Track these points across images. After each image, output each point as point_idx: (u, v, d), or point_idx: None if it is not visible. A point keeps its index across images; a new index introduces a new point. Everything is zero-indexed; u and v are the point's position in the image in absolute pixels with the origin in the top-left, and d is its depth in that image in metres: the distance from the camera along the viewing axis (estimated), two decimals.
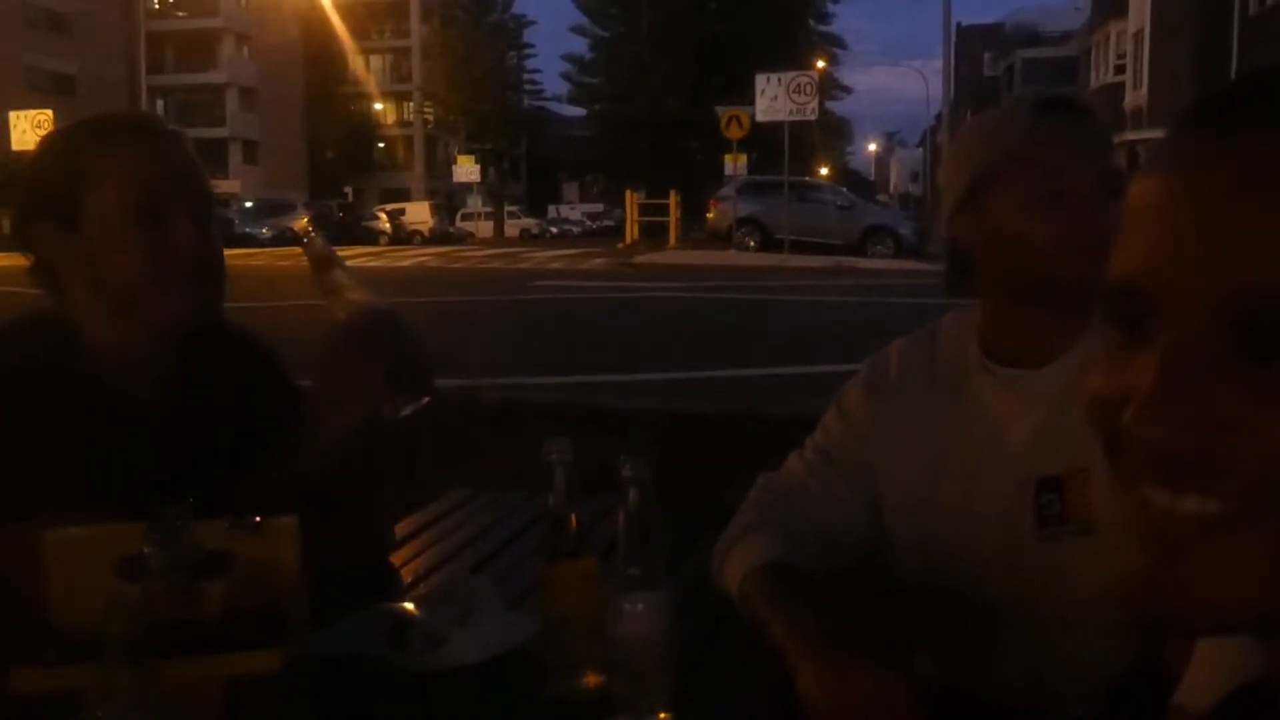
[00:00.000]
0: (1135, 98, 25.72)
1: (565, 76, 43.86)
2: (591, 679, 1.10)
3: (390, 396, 1.24)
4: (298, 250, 1.33)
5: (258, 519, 0.96)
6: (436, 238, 34.69)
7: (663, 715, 1.03)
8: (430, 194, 44.18)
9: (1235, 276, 0.42)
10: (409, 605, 1.29)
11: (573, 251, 22.90)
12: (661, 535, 1.05)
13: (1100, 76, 29.14)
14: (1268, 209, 0.42)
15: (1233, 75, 22.31)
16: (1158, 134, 23.66)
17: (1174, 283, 0.44)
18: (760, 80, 17.53)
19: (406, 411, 1.24)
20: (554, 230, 43.33)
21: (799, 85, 17.43)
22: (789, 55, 29.19)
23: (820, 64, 29.17)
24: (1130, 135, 25.51)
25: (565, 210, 52.63)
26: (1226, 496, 0.43)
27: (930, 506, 1.30)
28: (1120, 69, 27.18)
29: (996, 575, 1.24)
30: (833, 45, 42.82)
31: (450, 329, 8.63)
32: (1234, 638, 0.50)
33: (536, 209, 49.07)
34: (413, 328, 1.28)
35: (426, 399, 1.25)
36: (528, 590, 1.37)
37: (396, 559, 1.56)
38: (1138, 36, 25.45)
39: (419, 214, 37.15)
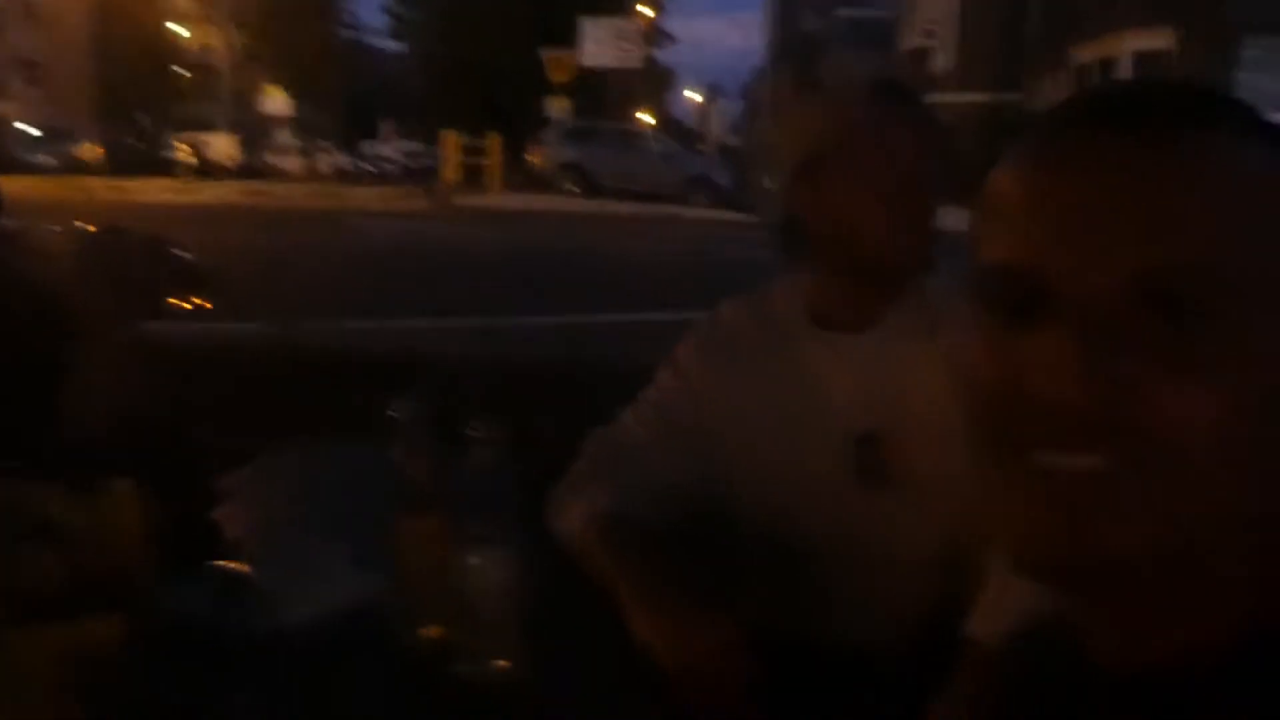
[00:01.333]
0: (943, 61, 26.95)
1: (385, 9, 42.28)
2: (434, 630, 1.13)
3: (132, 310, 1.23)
4: (86, 179, 1.29)
5: (95, 482, 0.93)
6: (243, 172, 32.96)
7: (502, 663, 1.07)
8: (236, 126, 41.81)
9: (1144, 255, 0.46)
10: (240, 565, 1.26)
11: (391, 191, 22.25)
12: (510, 492, 1.08)
13: (912, 39, 30.35)
14: (1165, 195, 0.47)
15: (1029, 43, 23.57)
16: (964, 97, 24.98)
17: (1073, 262, 0.47)
18: (584, 25, 17.42)
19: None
20: (370, 169, 41.87)
21: (624, 32, 17.46)
22: (615, 1, 29.08)
23: (647, 11, 29.20)
24: (938, 98, 26.79)
25: (382, 148, 50.89)
26: (1125, 452, 0.46)
27: (760, 461, 1.37)
28: (930, 33, 28.37)
29: (821, 525, 1.33)
30: None
31: (262, 271, 8.26)
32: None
33: (351, 146, 47.28)
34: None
35: (199, 302, 1.24)
36: (367, 545, 1.38)
37: (222, 516, 1.52)
38: (946, 2, 26.60)
39: (224, 146, 35.09)
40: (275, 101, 35.06)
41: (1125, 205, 0.47)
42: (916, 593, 1.32)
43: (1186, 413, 0.45)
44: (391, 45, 47.52)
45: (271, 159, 38.01)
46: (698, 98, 74.10)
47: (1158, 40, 17.47)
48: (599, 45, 17.43)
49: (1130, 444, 0.46)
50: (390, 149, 51.47)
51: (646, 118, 38.73)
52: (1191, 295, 0.45)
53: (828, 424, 1.33)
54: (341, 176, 35.80)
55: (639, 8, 27.11)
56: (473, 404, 1.13)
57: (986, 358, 0.51)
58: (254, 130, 42.86)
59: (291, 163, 37.44)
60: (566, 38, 20.02)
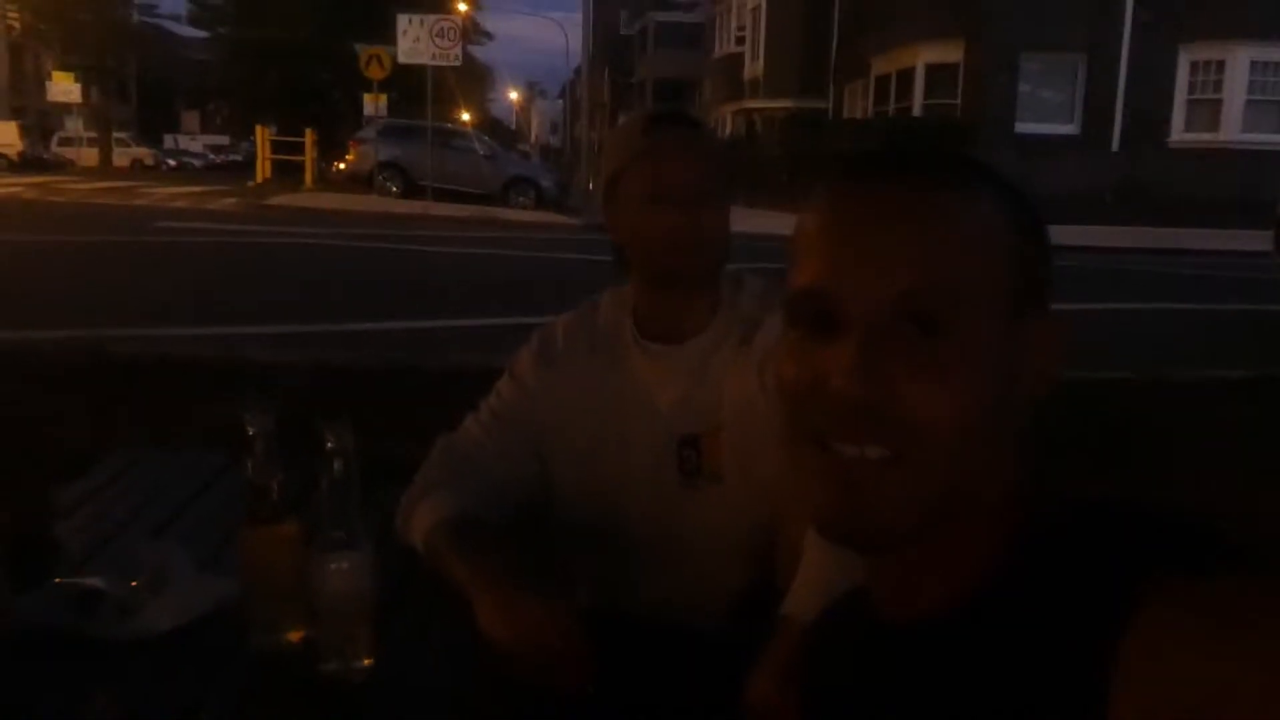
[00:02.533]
0: (752, 69, 27.74)
1: None
2: (294, 634, 1.19)
3: None
4: None
5: None
6: (28, 164, 30.59)
7: (366, 660, 1.15)
8: (17, 113, 38.65)
9: (903, 278, 0.59)
10: (91, 578, 1.28)
11: (197, 189, 21.12)
12: (362, 496, 1.15)
13: (723, 46, 31.09)
14: (919, 232, 0.60)
15: (833, 53, 24.37)
16: (773, 104, 25.72)
17: (854, 285, 0.60)
18: (402, 21, 17.04)
19: None
20: (172, 162, 39.57)
21: (442, 29, 17.16)
22: None
23: (463, 7, 28.84)
24: (749, 104, 27.59)
25: (185, 141, 48.18)
26: (894, 442, 0.59)
27: (592, 461, 1.49)
28: (740, 40, 29.12)
29: (647, 517, 1.47)
30: None
31: (58, 273, 7.75)
32: (864, 553, 0.66)
33: (151, 138, 44.50)
34: None
35: None
36: (217, 551, 1.42)
37: (63, 531, 1.52)
38: (755, 12, 27.39)
39: (5, 135, 32.52)
40: (62, 88, 32.64)
41: (890, 239, 0.60)
42: (733, 575, 1.46)
43: (935, 408, 0.58)
44: (192, 33, 44.94)
45: (61, 149, 35.44)
46: (518, 97, 73.73)
47: (948, 53, 18.61)
48: (416, 42, 17.06)
49: (896, 434, 0.58)
50: (194, 141, 48.77)
51: (466, 116, 38.27)
52: (937, 311, 0.58)
53: (653, 427, 1.46)
54: (141, 171, 33.73)
55: (457, 4, 26.79)
56: (320, 410, 1.18)
57: (794, 365, 0.62)
58: (39, 118, 39.76)
59: (83, 155, 35.01)
60: (383, 32, 19.57)
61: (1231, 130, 17.02)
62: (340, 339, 5.23)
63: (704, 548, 1.46)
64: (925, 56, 19.07)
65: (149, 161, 37.64)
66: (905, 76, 19.78)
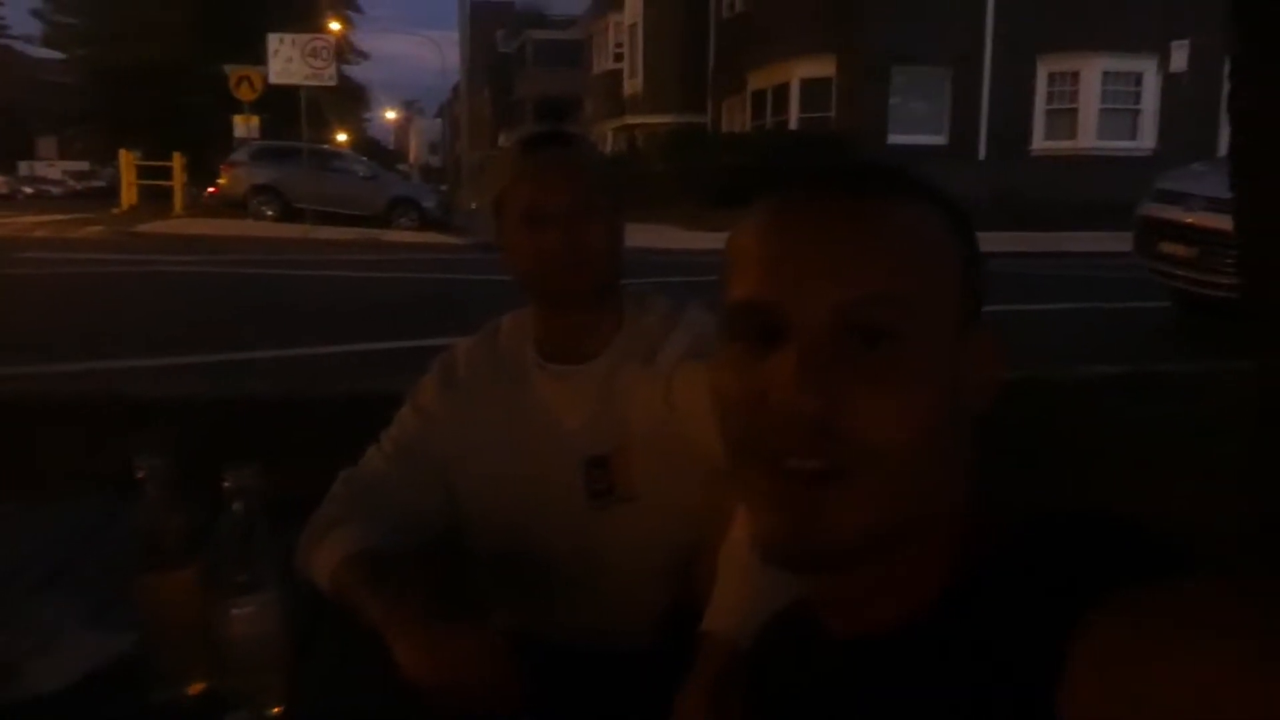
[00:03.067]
0: (632, 85, 28.00)
1: (37, 14, 38.21)
2: (196, 686, 1.13)
3: None
4: None
5: None
6: None
7: (276, 709, 1.10)
8: None
9: (844, 290, 0.58)
10: None
11: (58, 217, 20.18)
12: (268, 537, 1.10)
13: (602, 63, 31.30)
14: (857, 243, 0.59)
15: (710, 69, 24.77)
16: (653, 119, 25.99)
17: (797, 296, 0.59)
18: (273, 40, 16.64)
19: None
20: (27, 190, 37.81)
21: (315, 48, 16.82)
22: (301, 14, 28.01)
23: (335, 26, 28.33)
24: (629, 120, 27.82)
25: (41, 168, 46.05)
26: (841, 456, 0.57)
27: (500, 486, 1.46)
28: (619, 57, 29.36)
29: (560, 539, 1.45)
30: (346, 7, 41.70)
31: None
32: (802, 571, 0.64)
33: (3, 165, 42.41)
34: None
35: None
36: (108, 603, 1.34)
37: None
38: (633, 29, 27.67)
39: None
40: None
41: (834, 248, 0.59)
42: (653, 595, 1.45)
43: (881, 421, 0.57)
44: (48, 54, 42.98)
45: None
46: (395, 116, 72.71)
47: (821, 69, 19.12)
48: (289, 62, 16.67)
49: (841, 449, 0.57)
50: (51, 168, 46.62)
51: (343, 137, 37.57)
52: (882, 322, 0.57)
53: (560, 450, 1.44)
54: None
55: (330, 23, 26.30)
56: (217, 446, 1.13)
57: (735, 380, 0.61)
58: None
59: None
60: (252, 52, 19.07)
61: (1088, 138, 17.92)
62: (229, 369, 5.04)
63: (620, 568, 1.44)
64: (800, 72, 19.54)
65: (2, 190, 35.81)
66: (781, 91, 20.23)
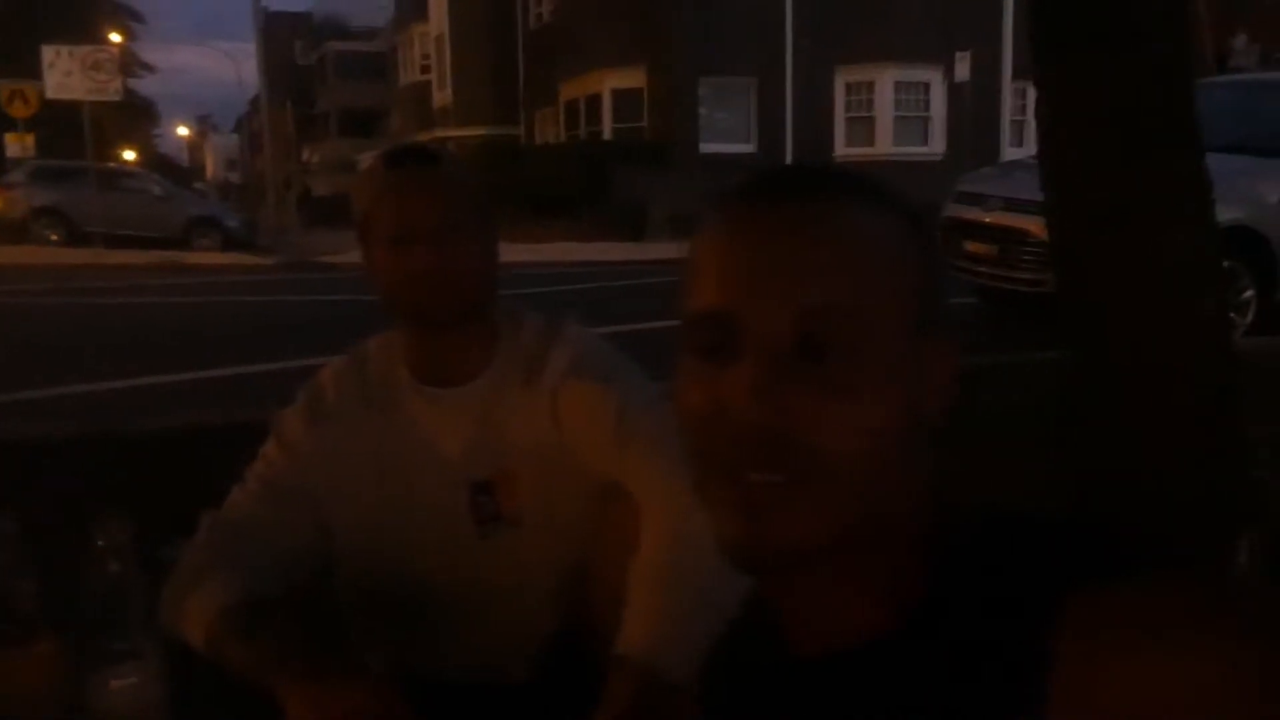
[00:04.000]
0: (441, 97, 27.58)
1: None
2: None
3: None
4: None
5: None
6: None
7: None
8: None
9: (798, 301, 0.57)
10: None
11: None
12: (142, 597, 1.01)
13: (409, 74, 30.70)
14: (812, 253, 0.58)
15: (521, 80, 24.65)
16: (464, 132, 25.66)
17: (751, 306, 0.58)
18: (48, 53, 15.49)
19: None
20: None
21: (97, 61, 15.77)
22: (76, 25, 26.20)
23: (116, 37, 26.65)
24: (439, 133, 27.39)
25: None
26: (797, 465, 0.57)
27: (377, 519, 1.40)
28: (426, 69, 28.87)
29: (444, 571, 1.40)
30: (129, 19, 39.30)
31: None
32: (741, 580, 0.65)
33: None
34: None
35: None
36: None
37: None
38: (439, 40, 27.26)
39: None
40: None
41: (789, 257, 0.58)
42: (541, 623, 1.43)
43: (838, 432, 0.56)
44: None
45: None
46: (188, 132, 68.96)
47: (632, 79, 19.41)
48: (68, 75, 15.54)
49: (799, 460, 0.57)
50: None
51: (131, 155, 35.37)
52: (839, 331, 0.57)
53: (441, 477, 1.39)
54: None
55: (110, 34, 24.73)
56: (53, 494, 1.03)
57: (694, 391, 0.60)
58: None
59: None
60: (24, 65, 17.68)
61: (884, 144, 18.90)
62: (27, 407, 4.63)
63: (508, 596, 1.41)
64: (611, 83, 19.76)
65: None
66: (594, 102, 20.38)
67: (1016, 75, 19.19)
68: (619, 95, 19.78)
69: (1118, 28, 2.46)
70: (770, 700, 0.67)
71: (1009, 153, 18.37)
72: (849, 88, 19.03)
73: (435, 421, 1.41)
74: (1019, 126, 19.62)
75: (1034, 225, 6.47)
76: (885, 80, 18.78)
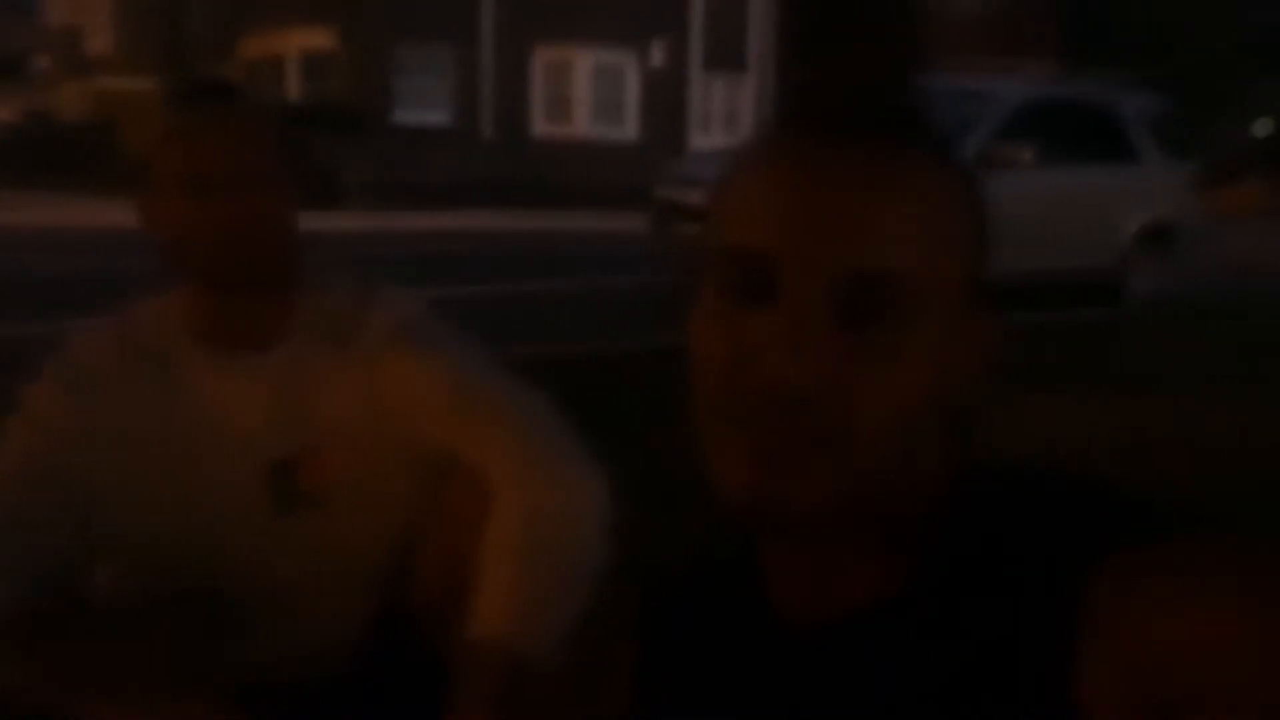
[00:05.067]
0: (99, 44, 25.02)
1: None
2: None
3: None
4: None
5: None
6: None
7: None
8: None
9: (849, 257, 0.53)
10: None
11: None
12: None
13: (58, 15, 27.62)
14: (870, 207, 0.53)
15: (196, 32, 22.85)
16: (128, 84, 23.38)
17: (799, 254, 0.53)
18: None
19: None
20: None
21: None
22: None
23: None
24: (100, 82, 24.76)
25: None
26: (820, 427, 0.54)
27: (156, 505, 1.25)
28: (80, 9, 26.10)
29: (239, 560, 1.26)
30: None
31: None
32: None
33: None
34: None
35: None
36: None
37: None
38: None
39: None
40: None
41: (845, 215, 0.54)
42: (351, 610, 1.33)
43: (867, 402, 0.54)
44: None
45: None
46: None
47: (321, 40, 18.45)
48: None
49: (823, 424, 0.54)
50: None
51: None
52: (883, 296, 0.53)
53: (234, 455, 1.26)
54: None
55: None
56: None
57: (718, 335, 0.56)
58: None
59: None
60: None
61: (582, 125, 19.24)
62: None
63: (314, 584, 1.29)
64: (299, 43, 18.70)
65: None
66: (278, 63, 19.21)
67: (707, 66, 20.19)
68: (308, 56, 18.77)
69: (857, 20, 2.65)
70: (757, 668, 0.64)
71: (698, 140, 19.31)
72: (547, 66, 19.18)
73: (226, 393, 1.26)
74: (706, 115, 20.68)
75: None
76: (584, 61, 19.09)
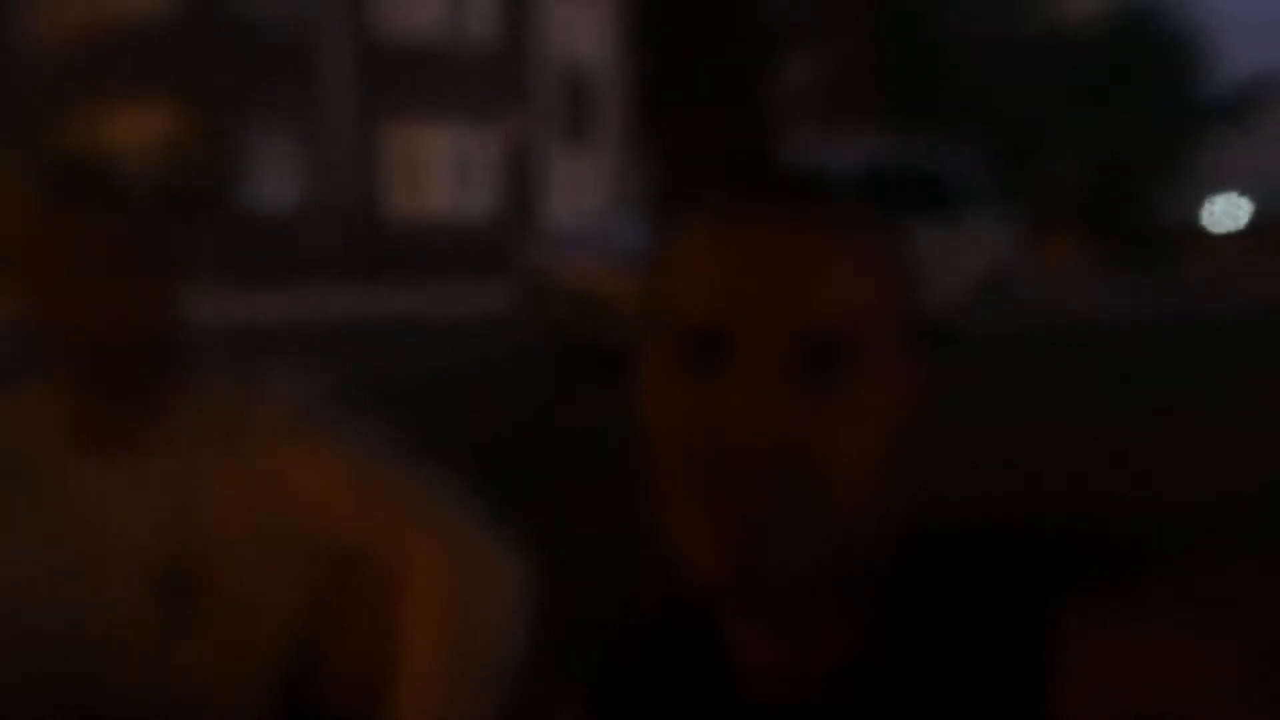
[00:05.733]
0: None
1: None
2: None
3: None
4: None
5: None
6: None
7: None
8: None
9: (801, 313, 0.54)
10: None
11: None
12: None
13: None
14: (816, 263, 0.55)
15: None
16: None
17: (753, 318, 0.54)
18: None
19: None
20: None
21: None
22: None
23: None
24: None
25: None
26: (794, 487, 0.53)
27: (33, 632, 1.18)
28: None
29: (131, 677, 1.21)
30: None
31: None
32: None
33: None
34: None
35: None
36: None
37: None
38: None
39: None
40: None
41: (786, 271, 0.55)
42: (262, 709, 1.26)
43: (838, 448, 0.54)
44: None
45: None
46: None
47: (159, 119, 17.74)
48: None
49: (797, 480, 0.53)
50: None
51: None
52: (836, 348, 0.54)
53: (123, 565, 1.20)
54: None
55: None
56: None
57: (675, 407, 0.56)
58: None
59: None
60: None
61: (437, 200, 18.91)
62: None
63: (214, 692, 1.23)
64: (137, 122, 18.02)
65: None
66: (113, 142, 18.39)
67: (560, 140, 20.34)
68: (146, 136, 18.04)
69: (713, 92, 2.83)
70: None
71: (555, 213, 19.32)
72: (400, 143, 18.93)
73: (111, 499, 1.19)
74: (563, 189, 20.75)
75: (613, 278, 6.87)
76: (437, 137, 18.93)
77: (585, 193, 21.05)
